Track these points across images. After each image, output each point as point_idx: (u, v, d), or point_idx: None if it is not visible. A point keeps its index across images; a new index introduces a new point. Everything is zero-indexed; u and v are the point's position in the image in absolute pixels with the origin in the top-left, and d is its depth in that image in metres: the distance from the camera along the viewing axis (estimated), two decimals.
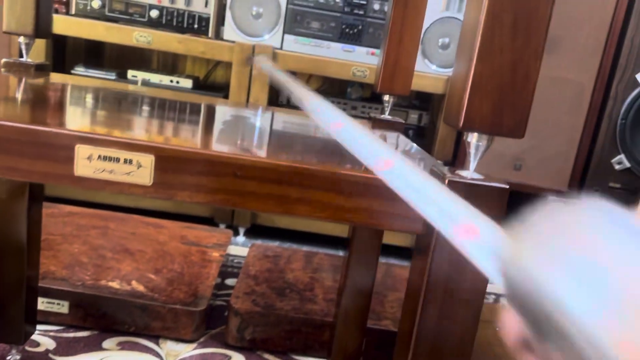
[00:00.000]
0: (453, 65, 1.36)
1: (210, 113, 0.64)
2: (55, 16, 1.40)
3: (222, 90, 1.55)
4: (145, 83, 1.48)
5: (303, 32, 1.45)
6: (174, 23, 1.44)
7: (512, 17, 0.36)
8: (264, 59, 0.73)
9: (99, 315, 0.92)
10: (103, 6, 1.43)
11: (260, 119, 0.63)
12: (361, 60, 1.45)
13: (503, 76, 0.37)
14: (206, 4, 1.44)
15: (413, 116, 1.56)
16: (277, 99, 1.59)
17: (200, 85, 1.57)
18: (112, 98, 0.65)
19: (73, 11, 1.43)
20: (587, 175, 1.46)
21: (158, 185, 0.40)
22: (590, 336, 0.14)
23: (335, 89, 1.81)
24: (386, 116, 0.77)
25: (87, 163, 0.39)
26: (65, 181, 0.39)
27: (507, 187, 0.39)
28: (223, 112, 0.68)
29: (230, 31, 1.44)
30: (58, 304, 0.92)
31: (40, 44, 1.40)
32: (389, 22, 0.73)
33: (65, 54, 1.62)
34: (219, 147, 0.42)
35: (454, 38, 1.44)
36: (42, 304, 0.91)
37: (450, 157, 1.48)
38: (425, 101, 1.71)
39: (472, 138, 0.39)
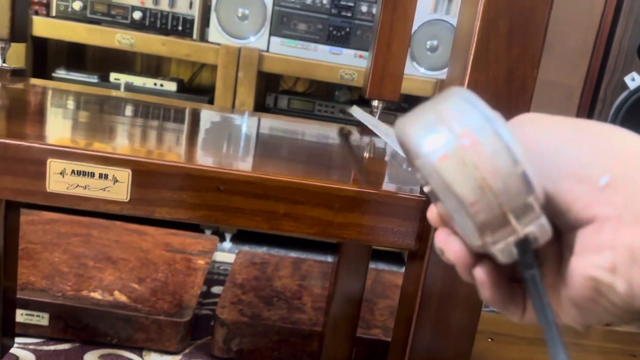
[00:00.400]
0: (442, 67, 1.35)
1: (193, 120, 0.62)
2: (35, 18, 1.36)
3: (207, 93, 1.53)
4: (128, 86, 1.45)
5: (290, 34, 1.43)
6: (158, 25, 1.41)
7: (508, 24, 0.35)
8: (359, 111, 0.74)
9: (80, 327, 0.89)
10: (84, 8, 1.39)
11: (246, 127, 0.61)
12: (349, 63, 1.43)
13: (499, 86, 0.36)
14: (190, 6, 1.42)
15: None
16: (263, 102, 1.57)
17: (185, 88, 1.54)
18: (90, 105, 0.62)
19: (53, 13, 1.39)
20: None
21: (136, 201, 0.37)
22: (422, 153, 0.23)
23: (322, 91, 1.79)
24: (359, 112, 0.75)
25: (59, 178, 0.37)
26: (37, 198, 0.37)
27: None
28: (207, 119, 0.66)
29: (215, 33, 1.41)
30: (38, 315, 0.89)
31: (19, 47, 1.37)
32: (377, 26, 0.71)
33: (47, 56, 1.58)
34: (201, 159, 0.39)
35: (443, 40, 1.43)
36: (21, 315, 0.88)
37: None
38: (414, 104, 1.69)
39: None
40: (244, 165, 0.41)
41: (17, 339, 0.85)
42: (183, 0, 1.41)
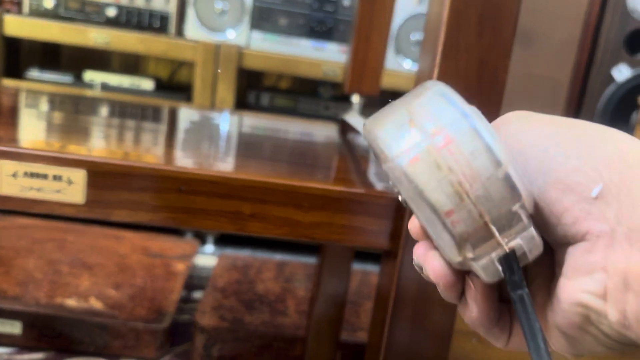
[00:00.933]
0: None
1: (163, 120, 0.60)
2: (6, 16, 1.33)
3: (187, 91, 1.50)
4: (104, 86, 1.42)
5: (271, 28, 1.41)
6: (134, 21, 1.38)
7: (478, 13, 0.33)
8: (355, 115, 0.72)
9: (54, 335, 0.87)
10: (57, 5, 1.36)
11: (219, 125, 0.59)
12: (332, 59, 1.41)
13: (469, 77, 0.34)
14: (167, 1, 1.39)
15: None
16: (245, 99, 1.55)
17: (164, 87, 1.51)
18: (57, 106, 0.60)
19: (26, 11, 1.36)
20: None
21: (92, 203, 0.35)
22: (391, 156, 0.21)
23: (306, 88, 1.77)
24: (355, 118, 0.74)
25: (12, 181, 0.35)
26: None
27: None
28: (178, 118, 0.63)
29: (193, 29, 1.39)
30: (10, 324, 0.86)
31: None
32: (356, 19, 0.70)
33: (20, 56, 1.54)
34: (163, 159, 0.38)
35: None
36: None
37: None
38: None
39: None
40: (210, 164, 0.39)
41: None
42: None
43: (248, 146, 0.50)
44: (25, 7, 1.36)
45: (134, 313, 0.88)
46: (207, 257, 1.33)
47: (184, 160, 0.39)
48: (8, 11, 1.36)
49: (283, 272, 1.11)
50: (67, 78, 1.41)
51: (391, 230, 0.38)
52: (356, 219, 0.37)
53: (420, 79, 0.37)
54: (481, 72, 0.34)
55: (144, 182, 0.35)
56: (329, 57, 1.41)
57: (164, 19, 1.39)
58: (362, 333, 0.89)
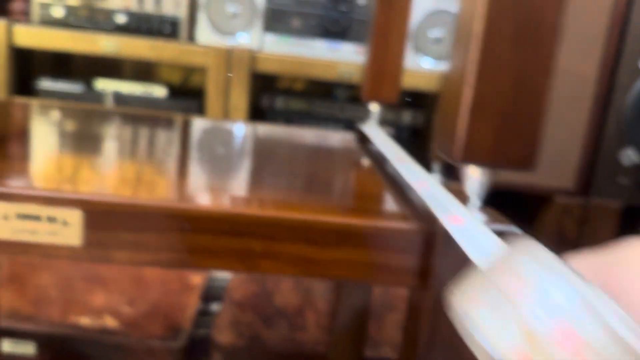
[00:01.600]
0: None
1: (167, 140, 0.57)
2: (15, 27, 1.31)
3: (200, 96, 1.48)
4: (116, 94, 1.40)
5: (284, 30, 1.37)
6: (144, 28, 1.36)
7: (514, 26, 0.29)
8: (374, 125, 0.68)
9: (69, 356, 0.85)
10: (67, 14, 1.34)
11: (227, 144, 0.56)
12: (348, 59, 1.37)
13: (506, 97, 0.30)
14: (177, 6, 1.36)
15: (406, 116, 1.49)
16: (259, 104, 1.52)
17: (176, 93, 1.49)
18: (55, 127, 0.57)
19: (35, 20, 1.34)
20: (593, 173, 1.40)
21: (90, 245, 0.32)
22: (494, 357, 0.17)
23: (322, 90, 1.73)
24: (373, 128, 0.70)
25: (3, 224, 0.32)
26: None
27: (520, 232, 0.32)
28: (184, 136, 0.60)
29: (204, 34, 1.36)
30: (24, 345, 0.85)
31: (1, 60, 1.32)
32: (372, 23, 0.66)
33: (31, 65, 1.53)
34: (164, 193, 0.34)
35: (448, 32, 1.37)
36: (6, 346, 0.84)
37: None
38: (418, 99, 1.63)
39: (472, 172, 0.32)
40: (217, 196, 0.36)
41: None
42: (169, 1, 1.35)
43: (259, 166, 0.47)
44: (35, 17, 1.34)
45: (149, 330, 0.86)
46: None
47: (189, 193, 0.36)
48: (17, 21, 1.35)
49: (302, 282, 1.08)
50: (78, 87, 1.40)
51: (419, 267, 0.34)
52: (378, 255, 0.34)
53: (448, 102, 0.33)
54: (519, 91, 0.30)
55: (144, 221, 0.32)
56: (344, 57, 1.37)
57: (174, 24, 1.37)
58: (387, 348, 0.86)
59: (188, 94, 1.51)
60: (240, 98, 1.36)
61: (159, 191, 0.35)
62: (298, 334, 0.88)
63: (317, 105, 1.49)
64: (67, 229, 0.32)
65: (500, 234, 0.32)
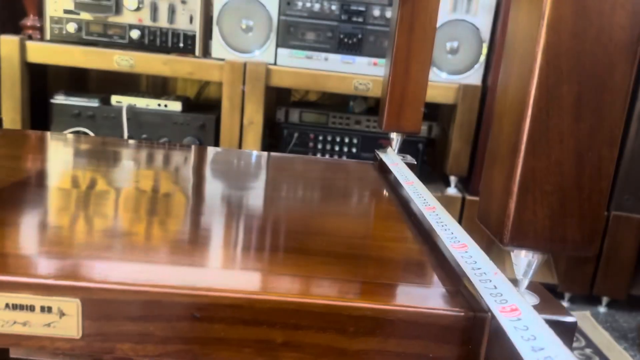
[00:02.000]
0: (464, 71, 1.22)
1: (180, 188, 0.53)
2: (28, 44, 1.30)
3: (215, 110, 1.45)
4: (131, 109, 1.37)
5: (297, 44, 1.33)
6: (158, 43, 1.33)
7: (575, 91, 0.25)
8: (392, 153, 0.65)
9: None
10: (79, 29, 1.32)
11: (239, 197, 0.52)
12: (362, 72, 1.33)
13: (564, 173, 0.26)
14: (191, 20, 1.33)
15: (422, 127, 1.44)
16: (274, 116, 1.48)
17: (191, 106, 1.46)
18: (48, 179, 0.54)
19: (48, 37, 1.32)
20: (616, 182, 1.34)
21: (90, 337, 0.29)
22: None
23: (337, 100, 1.69)
24: (394, 157, 0.65)
25: None
26: None
27: (575, 321, 0.28)
28: (193, 185, 0.57)
29: (218, 48, 1.33)
30: None
31: (14, 79, 1.30)
32: (393, 50, 0.62)
33: (47, 80, 1.51)
34: (170, 275, 0.31)
35: (464, 42, 1.32)
36: None
37: (465, 173, 1.36)
38: (434, 109, 1.59)
39: (522, 254, 0.28)
40: (228, 278, 0.32)
41: None
42: (183, 16, 1.33)
43: (275, 228, 0.43)
44: (47, 33, 1.32)
45: None
46: None
47: (199, 273, 0.32)
48: (30, 37, 1.33)
49: None
50: (93, 102, 1.38)
51: (460, 357, 0.30)
52: (416, 344, 0.30)
53: (492, 177, 0.29)
54: (580, 166, 0.26)
55: (148, 309, 0.29)
56: (359, 70, 1.32)
57: (188, 38, 1.34)
58: None
59: (203, 108, 1.48)
60: (255, 111, 1.33)
61: (164, 273, 0.32)
62: None
63: (332, 117, 1.45)
64: (64, 320, 0.29)
65: (555, 323, 0.28)
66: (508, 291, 0.29)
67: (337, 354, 0.30)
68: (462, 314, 0.29)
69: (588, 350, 1.22)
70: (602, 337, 1.28)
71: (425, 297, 0.31)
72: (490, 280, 0.30)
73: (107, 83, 1.63)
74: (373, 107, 1.57)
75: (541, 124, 0.25)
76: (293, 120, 1.45)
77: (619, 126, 0.26)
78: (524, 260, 0.28)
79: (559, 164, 0.26)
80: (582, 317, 1.37)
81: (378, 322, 0.29)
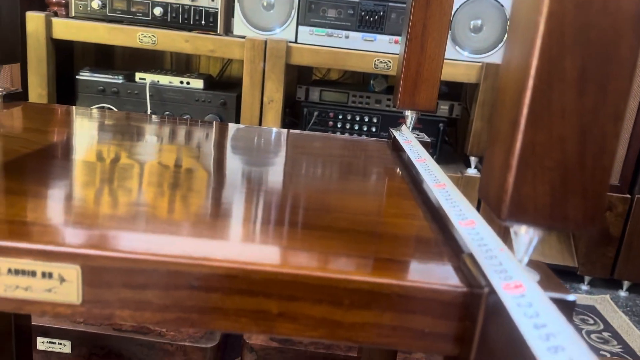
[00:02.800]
0: (487, 50, 1.20)
1: (186, 167, 0.54)
2: (54, 20, 1.31)
3: (236, 87, 1.45)
4: (154, 85, 1.39)
5: (318, 22, 1.32)
6: (180, 20, 1.34)
7: (579, 64, 0.24)
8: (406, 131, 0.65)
9: (103, 355, 0.85)
10: (103, 6, 1.33)
11: (252, 169, 0.52)
12: (383, 50, 1.31)
13: (566, 149, 0.25)
14: None
15: (443, 107, 1.42)
16: (294, 95, 1.48)
17: (213, 84, 1.47)
18: (64, 149, 0.55)
19: (72, 13, 1.34)
20: (639, 169, 1.30)
21: (90, 303, 0.30)
22: None
23: (358, 79, 1.67)
24: (408, 134, 0.65)
25: None
26: None
27: (574, 299, 0.27)
28: (207, 157, 0.57)
29: (240, 26, 1.32)
30: (59, 343, 0.85)
31: (41, 55, 1.32)
32: (408, 25, 0.60)
33: (73, 57, 1.54)
34: (171, 245, 0.31)
35: (487, 19, 1.29)
36: (43, 344, 0.85)
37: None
38: (456, 89, 1.56)
39: (522, 230, 0.27)
40: (225, 249, 0.33)
41: None
42: None
43: (282, 203, 0.43)
44: (72, 10, 1.34)
45: (181, 331, 0.85)
46: None
47: (198, 244, 0.32)
48: (56, 14, 1.35)
49: None
50: (118, 78, 1.39)
51: (456, 333, 0.30)
52: (411, 318, 0.30)
53: (494, 150, 0.28)
54: (583, 142, 0.25)
55: (147, 278, 0.29)
56: (379, 48, 1.31)
57: (210, 15, 1.33)
58: None
59: (225, 86, 1.49)
60: (275, 90, 1.32)
61: (165, 243, 0.32)
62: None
63: (352, 96, 1.43)
64: (65, 286, 0.29)
65: (555, 301, 0.27)
66: (513, 268, 0.28)
67: (333, 326, 0.30)
68: (459, 289, 0.29)
69: (606, 334, 1.20)
70: (621, 321, 1.26)
71: (422, 272, 0.31)
72: (496, 257, 0.30)
73: (132, 60, 1.65)
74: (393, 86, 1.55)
75: (542, 97, 0.25)
76: (313, 98, 1.45)
77: (625, 101, 0.25)
78: (524, 237, 0.27)
79: (560, 140, 0.25)
80: (601, 301, 1.35)
81: (373, 296, 0.29)
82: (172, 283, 0.29)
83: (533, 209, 0.26)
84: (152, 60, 1.65)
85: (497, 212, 0.27)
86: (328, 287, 0.29)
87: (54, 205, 0.36)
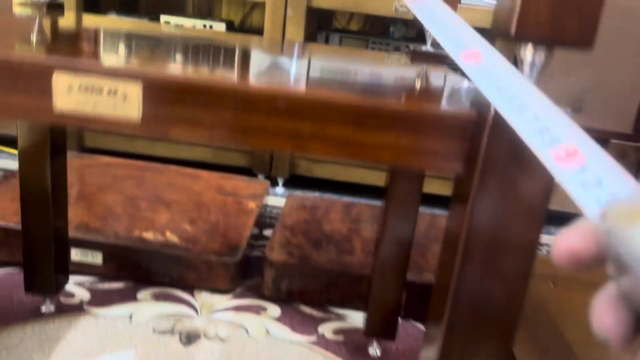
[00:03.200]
0: None
1: (227, 47, 0.58)
2: None
3: (257, 34, 1.48)
4: (178, 28, 1.42)
5: None
6: None
7: None
8: None
9: (133, 267, 0.91)
10: None
11: (284, 52, 0.56)
12: None
13: (556, 4, 0.29)
14: None
15: None
16: (314, 41, 1.50)
17: (235, 29, 1.50)
18: (114, 35, 0.59)
19: None
20: None
21: (148, 119, 0.34)
22: None
23: (377, 27, 1.69)
24: (428, 48, 0.68)
25: (66, 95, 0.34)
26: (45, 117, 0.34)
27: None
28: (243, 45, 0.61)
29: None
30: (92, 255, 0.92)
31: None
32: None
33: (99, 1, 1.58)
34: (219, 75, 0.36)
35: None
36: (76, 255, 0.91)
37: None
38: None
39: (527, 51, 0.31)
40: (268, 80, 0.37)
41: (73, 277, 0.88)
42: None
43: (313, 70, 0.47)
44: None
45: (207, 247, 0.90)
46: (278, 198, 1.34)
47: (242, 77, 0.37)
48: None
49: (350, 213, 1.10)
50: (143, 21, 1.43)
51: (465, 153, 0.34)
52: (426, 139, 0.34)
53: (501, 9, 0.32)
54: None
55: (199, 98, 0.34)
56: None
57: None
58: (428, 274, 0.87)
59: (246, 31, 1.52)
60: (296, 34, 1.35)
61: (215, 74, 0.36)
62: (345, 257, 0.90)
63: (372, 43, 1.46)
64: (127, 103, 0.34)
65: None
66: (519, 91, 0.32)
67: (357, 145, 0.34)
68: (467, 112, 0.33)
69: None
70: None
71: (434, 99, 0.35)
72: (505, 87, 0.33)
73: (156, 4, 1.69)
74: (414, 36, 1.57)
75: None
76: (333, 44, 1.47)
77: None
78: (529, 56, 0.31)
79: None
80: None
81: (393, 119, 0.34)
82: (220, 103, 0.34)
83: (536, 25, 0.30)
84: (175, 4, 1.69)
85: (507, 32, 0.31)
86: (354, 111, 0.34)
87: (127, 50, 0.40)
